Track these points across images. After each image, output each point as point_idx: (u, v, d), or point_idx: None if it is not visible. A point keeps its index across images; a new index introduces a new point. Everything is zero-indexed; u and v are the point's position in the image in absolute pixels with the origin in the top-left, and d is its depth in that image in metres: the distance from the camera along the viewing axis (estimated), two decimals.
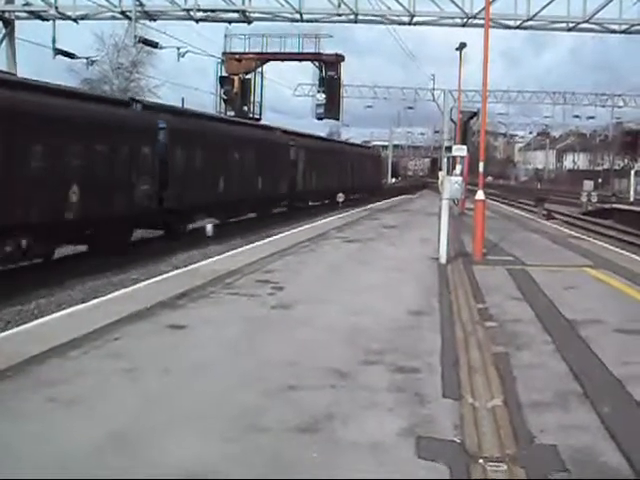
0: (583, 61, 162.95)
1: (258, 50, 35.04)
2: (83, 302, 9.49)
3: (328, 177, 36.62)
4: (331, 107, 35.78)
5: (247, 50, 34.92)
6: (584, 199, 40.97)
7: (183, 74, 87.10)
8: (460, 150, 21.91)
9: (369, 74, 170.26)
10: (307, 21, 25.74)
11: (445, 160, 27.45)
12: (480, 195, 13.68)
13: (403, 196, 45.52)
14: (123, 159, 16.47)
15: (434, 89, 60.86)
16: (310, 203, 34.90)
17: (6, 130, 12.39)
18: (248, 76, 35.16)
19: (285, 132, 31.85)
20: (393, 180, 78.36)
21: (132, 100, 19.07)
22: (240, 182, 23.98)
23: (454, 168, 23.69)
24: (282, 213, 30.20)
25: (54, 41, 25.24)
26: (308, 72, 41.22)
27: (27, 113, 12.98)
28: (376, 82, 66.95)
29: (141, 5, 24.30)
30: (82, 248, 16.41)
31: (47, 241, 14.17)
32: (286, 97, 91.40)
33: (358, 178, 45.14)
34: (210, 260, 12.66)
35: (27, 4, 24.77)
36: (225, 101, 34.41)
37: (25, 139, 12.98)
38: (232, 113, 33.08)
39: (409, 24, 24.98)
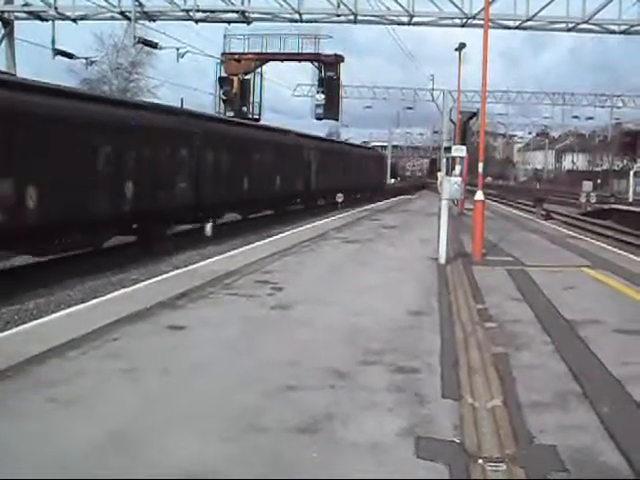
0: (582, 62, 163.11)
1: (257, 50, 35.04)
2: (82, 302, 9.48)
3: (338, 177, 38.29)
4: (330, 107, 35.79)
5: (246, 50, 34.91)
6: (583, 199, 40.98)
7: (182, 74, 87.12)
8: (459, 150, 21.90)
9: (368, 74, 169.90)
10: (306, 21, 25.73)
11: (444, 160, 27.45)
12: (479, 195, 13.68)
13: (402, 196, 45.56)
14: (167, 160, 18.37)
15: (433, 89, 60.98)
16: (323, 202, 36.32)
17: (86, 137, 14.58)
18: (247, 76, 35.15)
19: (300, 135, 33.91)
20: (392, 181, 78.35)
21: (174, 108, 21.09)
22: (261, 181, 25.95)
23: (453, 168, 23.72)
24: (297, 210, 31.84)
25: (53, 41, 25.27)
26: (307, 72, 41.33)
27: (98, 121, 15.19)
28: (375, 82, 66.98)
29: (140, 5, 24.30)
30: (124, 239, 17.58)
31: (108, 230, 16.24)
32: (285, 97, 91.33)
33: (363, 178, 46.89)
34: (209, 260, 12.65)
35: (26, 4, 24.77)
36: (224, 101, 34.40)
37: (99, 143, 15.13)
38: (231, 113, 33.07)
39: (408, 24, 24.99)
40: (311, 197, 34.07)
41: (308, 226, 20.61)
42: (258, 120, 34.95)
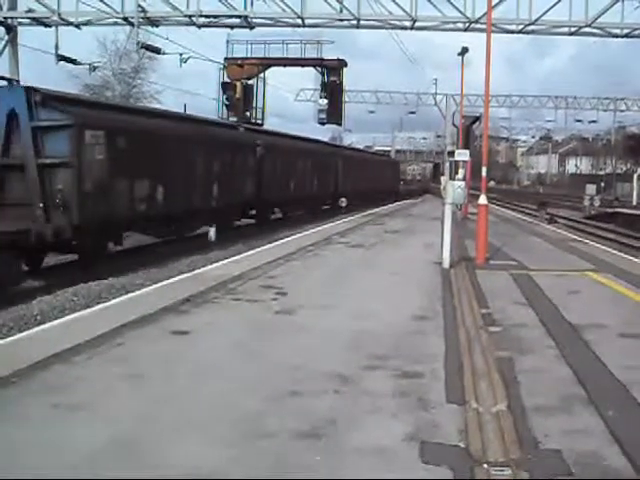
0: (585, 65, 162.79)
1: (260, 55, 35.02)
2: (87, 307, 9.49)
3: (361, 181, 42.86)
4: (333, 112, 35.75)
5: (249, 56, 34.91)
6: (586, 203, 40.87)
7: (185, 80, 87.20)
8: (462, 155, 21.92)
9: (372, 79, 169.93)
10: (309, 26, 25.73)
11: (447, 165, 27.45)
12: (483, 200, 13.67)
13: (406, 201, 45.59)
14: (238, 166, 23.05)
15: (436, 94, 60.98)
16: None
17: (184, 147, 18.92)
18: (250, 81, 35.11)
19: (331, 145, 42.39)
20: None
21: (239, 125, 25.94)
22: (303, 184, 31.12)
23: (456, 173, 23.72)
24: (328, 210, 35.81)
25: (57, 47, 25.30)
26: (310, 77, 41.54)
27: (197, 137, 20.05)
28: (379, 87, 67.10)
29: (143, 11, 24.33)
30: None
31: (201, 221, 20.60)
32: (288, 102, 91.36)
33: (381, 182, 50.96)
34: (214, 265, 12.66)
35: (30, 10, 24.83)
36: (227, 107, 34.38)
37: (194, 155, 19.75)
38: (234, 119, 33.07)
39: (411, 29, 24.98)
40: (338, 198, 37.42)
41: (312, 231, 20.61)
42: (261, 125, 34.93)
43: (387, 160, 65.73)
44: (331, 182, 36.95)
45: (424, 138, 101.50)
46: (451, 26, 24.94)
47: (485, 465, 4.03)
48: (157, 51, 28.18)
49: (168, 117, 20.30)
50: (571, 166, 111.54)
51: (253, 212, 25.76)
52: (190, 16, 24.58)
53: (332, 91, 35.31)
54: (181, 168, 18.71)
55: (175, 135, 18.53)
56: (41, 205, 13.98)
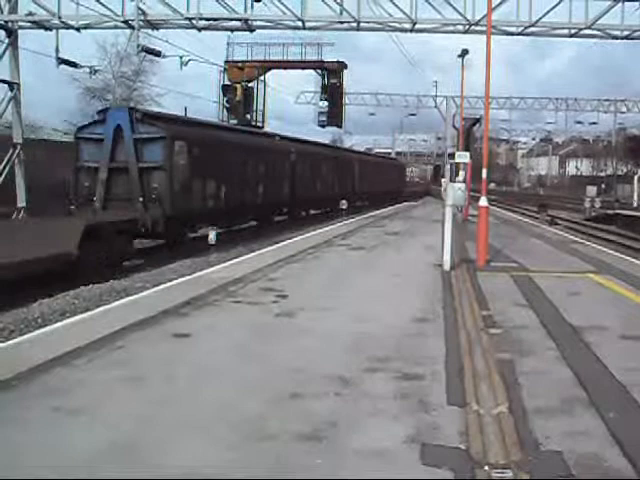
0: (586, 67, 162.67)
1: (260, 58, 35.08)
2: (87, 310, 9.50)
3: (372, 182, 47.31)
4: (334, 114, 35.79)
5: (249, 58, 34.95)
6: (587, 205, 40.82)
7: (186, 82, 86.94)
8: (462, 157, 21.92)
9: (372, 81, 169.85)
10: (309, 29, 25.70)
11: (448, 167, 27.44)
12: (483, 201, 13.66)
13: (406, 203, 45.63)
14: (277, 169, 27.58)
15: (436, 96, 60.97)
16: (360, 203, 43.02)
17: (238, 153, 23.32)
18: (250, 84, 35.17)
19: (348, 150, 50.32)
20: None
21: (275, 134, 30.85)
22: (325, 185, 35.70)
23: (457, 175, 23.70)
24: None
25: (57, 50, 25.27)
26: (310, 80, 41.58)
27: (247, 145, 24.83)
28: (379, 89, 67.08)
29: (143, 14, 24.30)
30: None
31: (250, 216, 25.43)
32: (289, 105, 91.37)
33: (389, 183, 54.78)
34: (215, 268, 12.64)
35: (30, 14, 24.79)
36: (228, 109, 34.43)
37: (245, 160, 23.96)
38: (235, 121, 33.12)
39: (411, 31, 24.95)
40: (354, 198, 40.75)
41: (313, 233, 20.61)
42: (262, 128, 34.96)
43: (395, 163, 67.82)
44: (349, 184, 41.36)
45: (424, 140, 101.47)
46: (451, 28, 24.86)
47: (486, 467, 4.03)
48: (157, 54, 28.12)
49: (226, 129, 25.28)
50: (571, 168, 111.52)
51: (285, 210, 29.91)
52: (190, 19, 24.53)
53: (332, 93, 35.36)
54: (237, 171, 23.00)
55: (233, 144, 23.11)
56: (141, 200, 18.00)
